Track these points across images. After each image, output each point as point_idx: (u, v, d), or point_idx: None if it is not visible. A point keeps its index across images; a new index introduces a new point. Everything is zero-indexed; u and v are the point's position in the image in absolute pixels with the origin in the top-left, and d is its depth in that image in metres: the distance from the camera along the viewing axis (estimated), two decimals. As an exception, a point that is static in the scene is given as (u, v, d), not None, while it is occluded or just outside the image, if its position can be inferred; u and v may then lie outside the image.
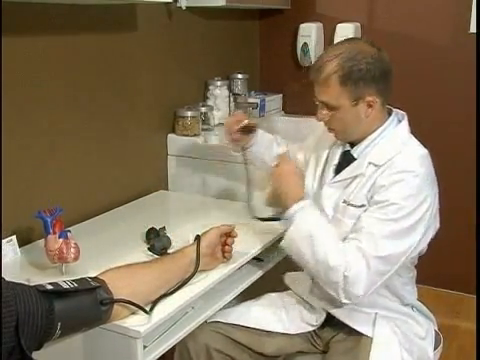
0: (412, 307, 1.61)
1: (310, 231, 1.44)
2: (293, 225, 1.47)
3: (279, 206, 1.59)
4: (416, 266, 1.63)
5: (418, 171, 1.42)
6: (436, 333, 1.66)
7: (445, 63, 2.53)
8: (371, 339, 1.49)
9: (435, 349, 1.62)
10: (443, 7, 2.48)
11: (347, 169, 1.54)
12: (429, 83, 2.57)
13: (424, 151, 1.49)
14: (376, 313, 1.54)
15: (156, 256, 1.57)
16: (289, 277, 1.74)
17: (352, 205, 1.49)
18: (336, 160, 1.59)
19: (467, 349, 2.26)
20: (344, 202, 1.51)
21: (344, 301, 1.42)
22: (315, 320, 1.60)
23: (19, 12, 1.62)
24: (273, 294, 1.72)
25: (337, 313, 1.55)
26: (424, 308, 1.66)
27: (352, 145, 1.55)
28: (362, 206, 1.47)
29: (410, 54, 2.58)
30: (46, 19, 1.73)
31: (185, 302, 1.38)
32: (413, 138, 1.53)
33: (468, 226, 2.43)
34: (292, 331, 1.60)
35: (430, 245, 1.52)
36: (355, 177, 1.51)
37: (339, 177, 1.55)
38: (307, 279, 1.62)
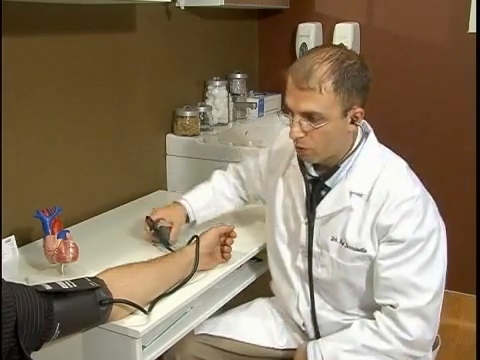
0: None
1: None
2: None
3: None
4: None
5: (416, 193, 1.31)
6: None
7: (444, 63, 2.52)
8: None
9: (433, 350, 1.61)
10: (442, 7, 2.48)
11: (326, 202, 1.38)
12: (428, 83, 2.57)
13: (402, 162, 1.38)
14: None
15: (160, 245, 1.62)
16: (274, 285, 1.63)
17: (351, 248, 1.34)
18: (304, 191, 1.41)
19: (466, 349, 2.26)
20: (333, 240, 1.37)
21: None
22: (304, 338, 1.54)
23: (19, 12, 1.62)
24: (262, 300, 1.66)
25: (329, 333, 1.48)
26: None
27: (321, 173, 1.39)
28: (362, 250, 1.33)
29: (409, 53, 2.58)
30: (45, 19, 1.73)
31: (184, 302, 1.38)
32: (384, 148, 1.39)
33: (468, 226, 2.44)
34: (280, 346, 1.57)
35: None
36: (339, 211, 1.36)
37: (320, 212, 1.38)
38: (290, 296, 1.52)
